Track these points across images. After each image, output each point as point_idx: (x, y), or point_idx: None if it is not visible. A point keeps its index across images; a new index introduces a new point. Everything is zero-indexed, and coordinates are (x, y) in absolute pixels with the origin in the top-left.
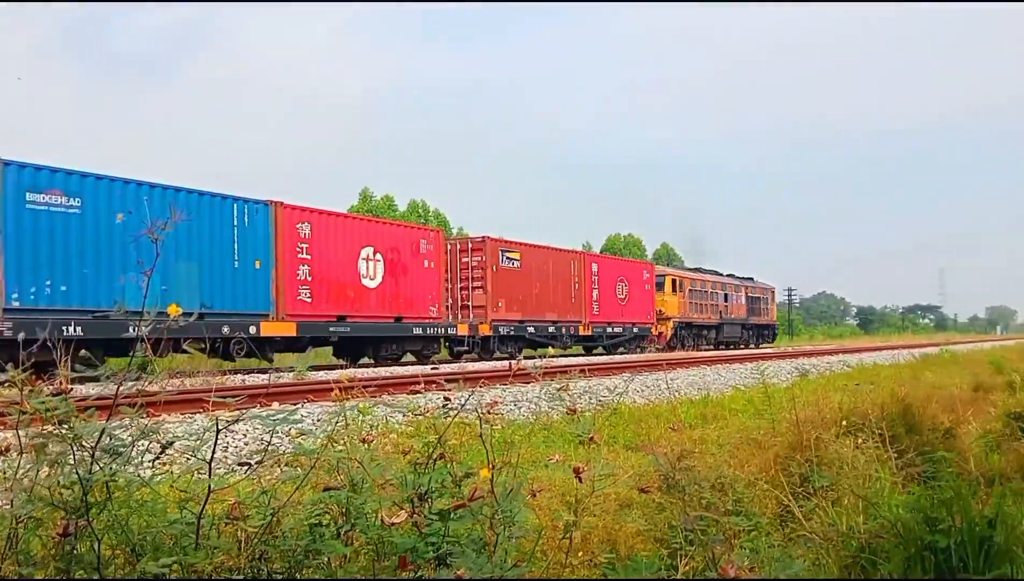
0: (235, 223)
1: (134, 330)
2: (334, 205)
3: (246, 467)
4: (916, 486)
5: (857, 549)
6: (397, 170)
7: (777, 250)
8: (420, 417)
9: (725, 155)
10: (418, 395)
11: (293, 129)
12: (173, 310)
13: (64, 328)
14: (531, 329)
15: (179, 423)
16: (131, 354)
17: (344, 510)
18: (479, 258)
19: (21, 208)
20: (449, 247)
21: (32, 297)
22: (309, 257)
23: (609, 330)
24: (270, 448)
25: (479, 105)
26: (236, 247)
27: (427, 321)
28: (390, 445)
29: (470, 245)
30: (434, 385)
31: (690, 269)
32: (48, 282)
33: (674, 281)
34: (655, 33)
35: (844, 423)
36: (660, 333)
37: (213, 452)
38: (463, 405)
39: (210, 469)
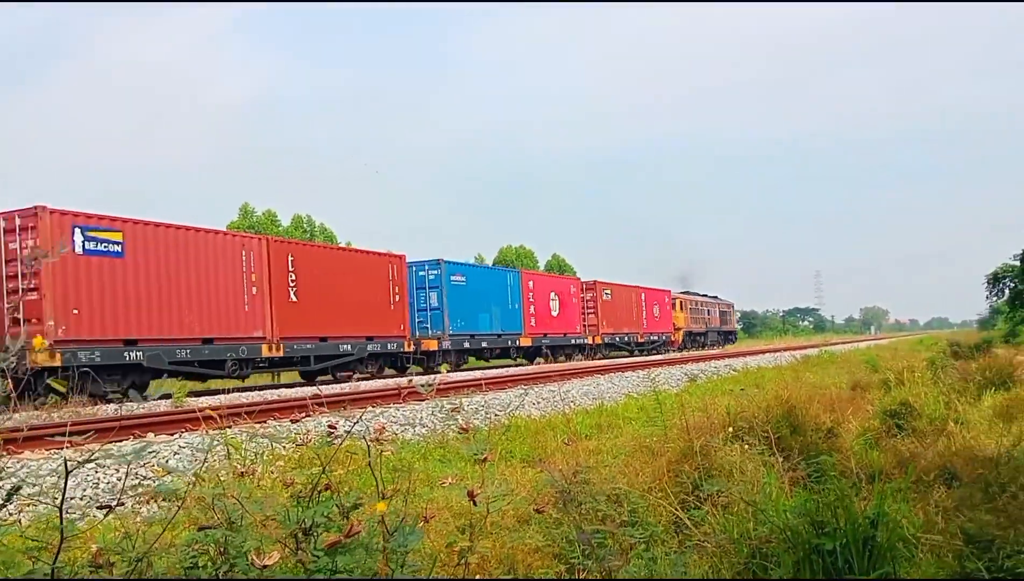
0: (507, 283)
1: (482, 343)
2: (211, 222)
3: (106, 510)
4: (802, 488)
5: (749, 555)
6: (276, 183)
7: (666, 255)
8: (303, 446)
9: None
10: (305, 419)
11: (159, 140)
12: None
13: (463, 343)
14: (618, 338)
15: (45, 459)
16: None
17: (222, 550)
18: (591, 294)
19: (449, 284)
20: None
21: (455, 327)
22: (533, 300)
23: (652, 338)
24: (139, 485)
25: (369, 115)
26: (509, 296)
27: (576, 335)
28: (277, 474)
29: (583, 285)
30: (316, 409)
31: (685, 292)
32: (459, 319)
33: (681, 302)
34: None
35: (731, 428)
36: (674, 340)
37: (63, 496)
38: (349, 431)
39: (61, 514)
